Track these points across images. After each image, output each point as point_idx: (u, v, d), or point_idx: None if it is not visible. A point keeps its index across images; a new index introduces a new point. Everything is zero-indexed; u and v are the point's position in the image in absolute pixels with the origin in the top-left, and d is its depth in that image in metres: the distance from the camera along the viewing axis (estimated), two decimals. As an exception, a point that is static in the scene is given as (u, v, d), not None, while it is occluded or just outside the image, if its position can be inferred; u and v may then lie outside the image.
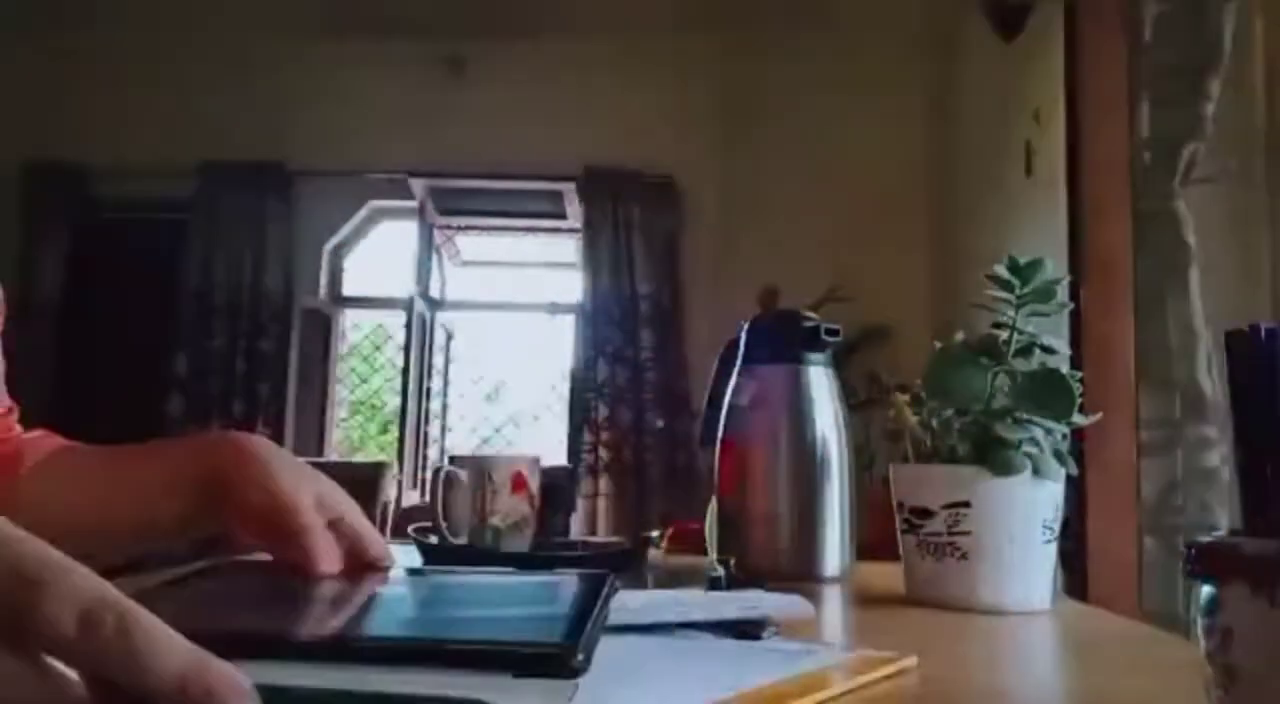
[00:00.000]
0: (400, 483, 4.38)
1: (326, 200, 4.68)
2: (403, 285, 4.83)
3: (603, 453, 4.35)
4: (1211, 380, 2.09)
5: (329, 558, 0.67)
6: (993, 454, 0.93)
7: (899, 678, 0.61)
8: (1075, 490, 2.08)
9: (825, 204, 4.27)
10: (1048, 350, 0.98)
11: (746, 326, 1.32)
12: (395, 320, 4.94)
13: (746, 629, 0.68)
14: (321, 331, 4.84)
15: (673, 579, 1.15)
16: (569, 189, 4.60)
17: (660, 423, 4.35)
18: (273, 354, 4.58)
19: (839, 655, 0.63)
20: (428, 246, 4.82)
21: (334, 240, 4.82)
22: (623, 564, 1.21)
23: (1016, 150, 3.10)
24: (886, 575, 1.13)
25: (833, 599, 1.06)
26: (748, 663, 0.61)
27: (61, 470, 0.83)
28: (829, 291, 3.77)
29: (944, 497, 0.94)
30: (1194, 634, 0.42)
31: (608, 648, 0.67)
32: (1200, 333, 2.12)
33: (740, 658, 0.63)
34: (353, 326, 5.08)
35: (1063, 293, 1.00)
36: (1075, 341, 2.15)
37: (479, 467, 1.26)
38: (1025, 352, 0.97)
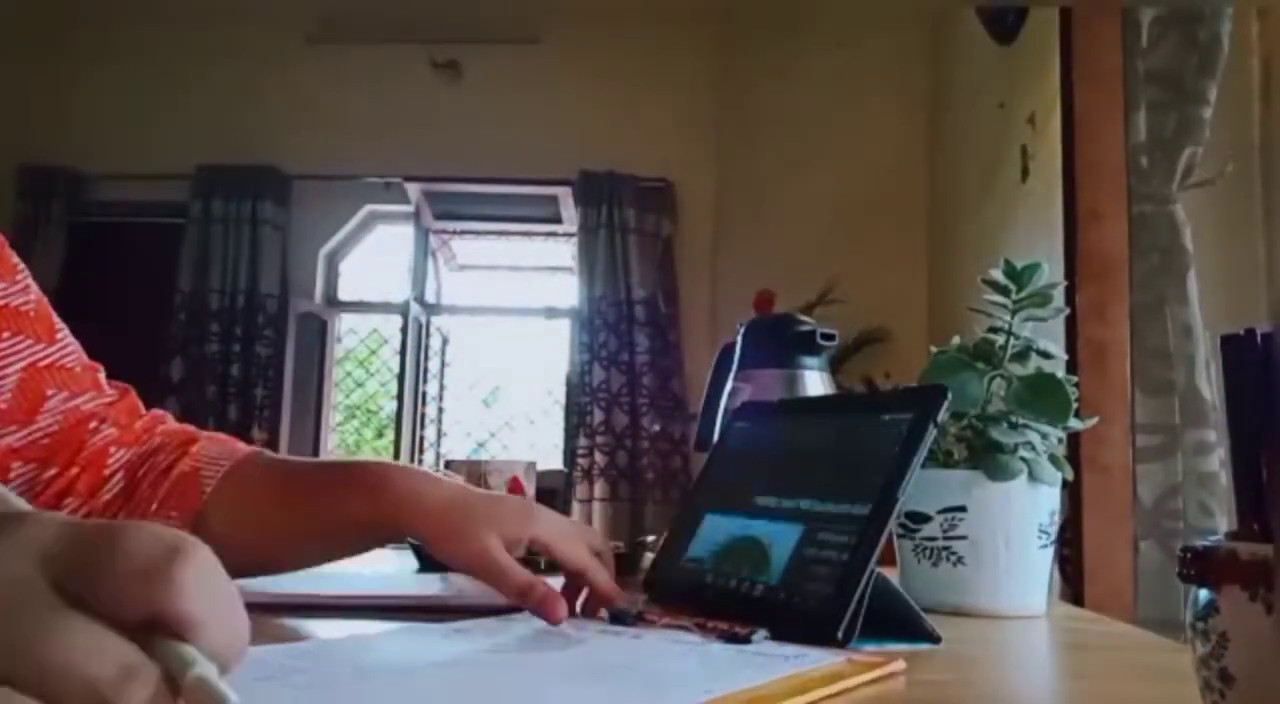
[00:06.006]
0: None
1: (322, 204, 4.68)
2: (398, 289, 4.82)
3: (598, 457, 4.34)
4: (1209, 384, 2.09)
5: (556, 610, 0.73)
6: (989, 458, 0.92)
7: (886, 682, 0.60)
8: (1071, 495, 2.07)
9: (821, 208, 4.27)
10: (1044, 355, 0.98)
11: (743, 330, 1.32)
12: (391, 324, 4.93)
13: (735, 633, 0.68)
14: (317, 336, 4.83)
15: None
16: (564, 193, 4.60)
17: (656, 427, 4.35)
18: (268, 358, 4.58)
19: (826, 659, 0.62)
20: (423, 251, 4.82)
21: (330, 244, 4.81)
22: (619, 569, 1.21)
23: (1012, 155, 3.10)
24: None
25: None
26: (728, 666, 0.61)
27: (243, 510, 0.84)
28: (822, 294, 3.78)
29: (940, 501, 0.94)
30: (1190, 639, 0.42)
31: (586, 648, 0.67)
32: (1198, 336, 2.12)
33: (722, 661, 0.62)
34: (348, 331, 5.07)
35: (1059, 297, 1.00)
36: (1071, 346, 2.14)
37: (475, 471, 1.26)
38: (1021, 356, 0.97)
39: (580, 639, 0.70)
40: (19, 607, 0.30)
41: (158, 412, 0.93)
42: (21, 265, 0.85)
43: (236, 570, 0.84)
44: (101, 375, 0.90)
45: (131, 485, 0.84)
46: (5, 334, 0.81)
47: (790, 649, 0.65)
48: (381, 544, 0.88)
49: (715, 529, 0.86)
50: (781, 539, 0.77)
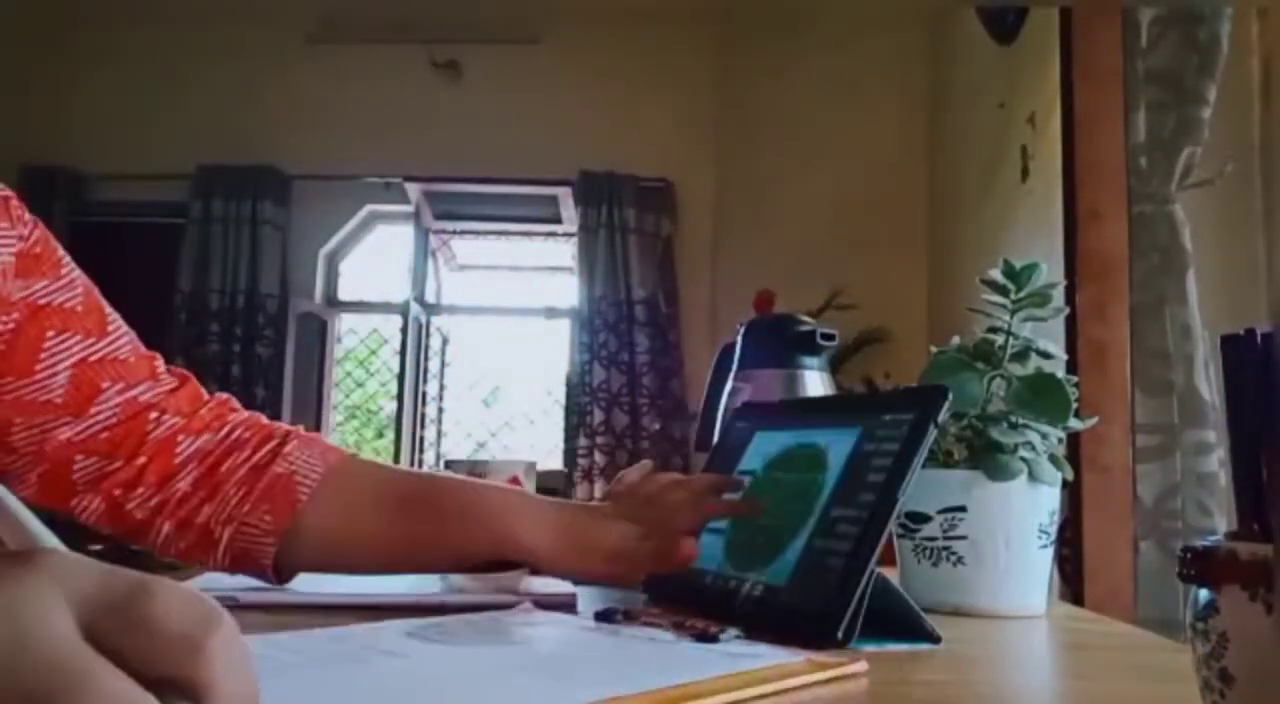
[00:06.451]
0: (396, 487, 4.37)
1: (322, 204, 4.67)
2: (398, 289, 4.82)
3: (598, 457, 4.34)
4: (1209, 384, 2.09)
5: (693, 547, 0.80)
6: (988, 459, 0.92)
7: (841, 683, 0.58)
8: (1071, 495, 2.07)
9: (821, 208, 4.27)
10: (1043, 355, 0.98)
11: (743, 330, 1.32)
12: (391, 325, 4.93)
13: (706, 631, 0.67)
14: (317, 336, 4.83)
15: None
16: (564, 193, 4.59)
17: (656, 427, 4.35)
18: (268, 358, 4.57)
19: (785, 658, 0.60)
20: (423, 251, 4.82)
21: (330, 244, 4.81)
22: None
23: (1012, 155, 3.10)
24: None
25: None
26: (676, 662, 0.59)
27: (344, 521, 0.85)
28: (830, 299, 3.78)
29: (940, 501, 0.94)
30: (1190, 639, 0.42)
31: (550, 644, 0.67)
32: (1198, 336, 2.12)
33: (679, 658, 0.61)
34: (348, 331, 5.06)
35: (1058, 297, 1.00)
36: (1071, 346, 2.14)
37: (475, 471, 1.26)
38: (1021, 356, 0.97)
39: (553, 635, 0.69)
40: (52, 646, 0.29)
41: (222, 396, 0.92)
42: (66, 259, 0.85)
43: (322, 571, 0.85)
44: (159, 363, 0.90)
45: (214, 480, 0.84)
46: (50, 333, 0.81)
47: (760, 648, 0.63)
48: None
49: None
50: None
